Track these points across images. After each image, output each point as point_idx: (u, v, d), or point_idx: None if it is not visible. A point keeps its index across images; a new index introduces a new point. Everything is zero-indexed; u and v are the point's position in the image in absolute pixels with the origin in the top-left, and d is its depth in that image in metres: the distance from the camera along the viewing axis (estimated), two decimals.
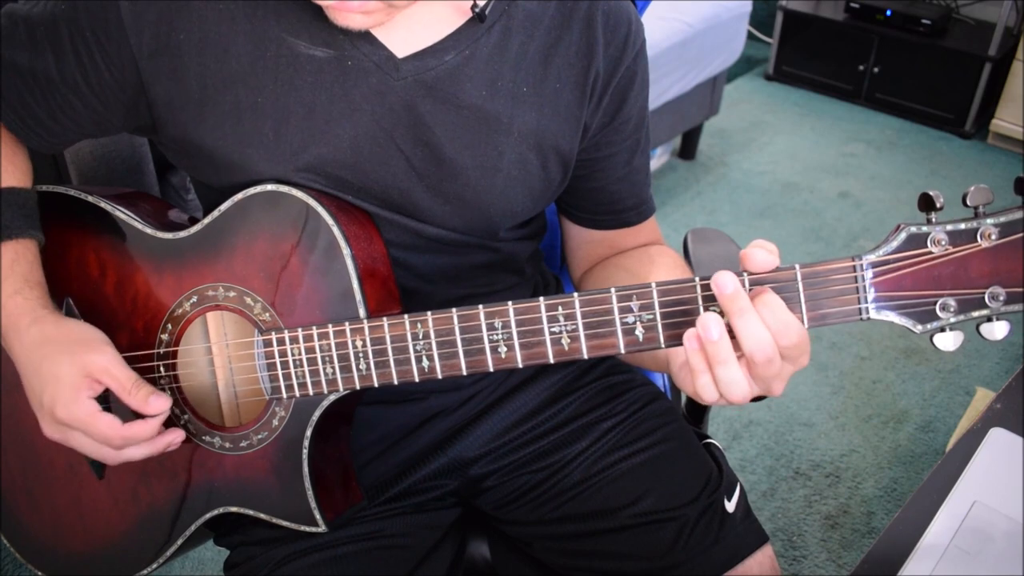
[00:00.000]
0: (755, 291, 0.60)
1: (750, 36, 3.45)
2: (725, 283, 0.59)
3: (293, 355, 0.72)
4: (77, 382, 0.71)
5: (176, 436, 0.75)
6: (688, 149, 2.87)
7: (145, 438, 0.73)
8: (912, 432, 1.87)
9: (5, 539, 0.88)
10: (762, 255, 0.60)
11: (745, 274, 0.61)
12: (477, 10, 0.72)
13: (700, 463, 0.89)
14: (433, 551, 0.85)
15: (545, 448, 0.89)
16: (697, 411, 1.09)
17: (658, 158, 2.80)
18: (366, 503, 0.84)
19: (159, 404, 0.72)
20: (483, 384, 0.90)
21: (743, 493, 0.89)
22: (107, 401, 0.74)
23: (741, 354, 0.60)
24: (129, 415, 0.72)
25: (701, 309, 0.62)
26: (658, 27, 2.31)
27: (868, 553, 0.71)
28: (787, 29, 3.31)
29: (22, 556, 0.86)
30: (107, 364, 0.72)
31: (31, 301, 0.74)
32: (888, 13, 3.04)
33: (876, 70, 3.14)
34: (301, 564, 0.80)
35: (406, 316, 0.68)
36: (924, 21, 2.97)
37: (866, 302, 0.60)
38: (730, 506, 0.86)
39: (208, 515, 0.79)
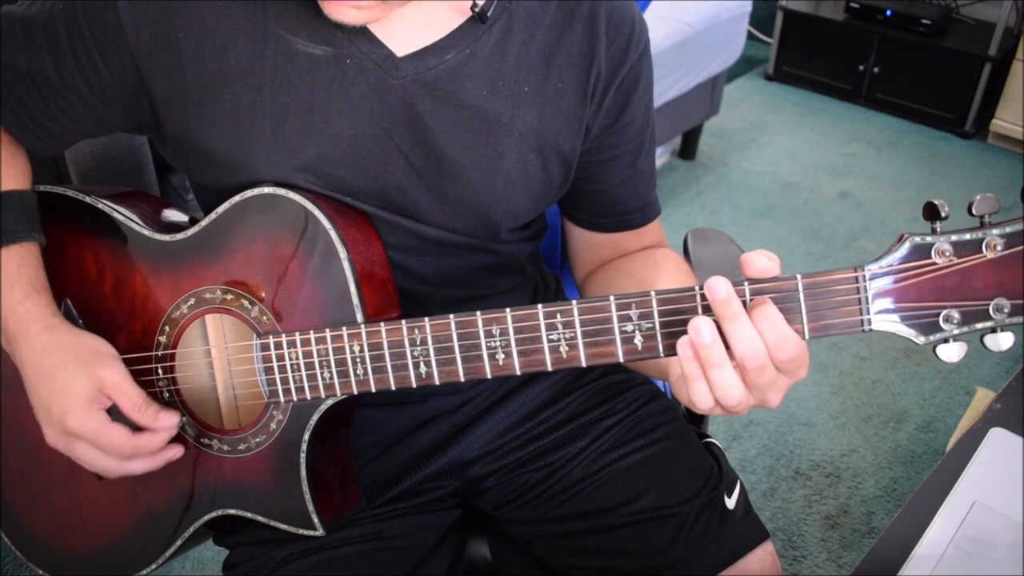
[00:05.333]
0: (755, 302, 0.59)
1: (750, 36, 3.45)
2: (718, 288, 0.58)
3: (291, 359, 0.72)
4: (91, 395, 0.72)
5: (175, 452, 0.76)
6: (688, 149, 2.87)
7: (152, 449, 0.74)
8: (912, 432, 1.87)
9: (6, 538, 0.88)
10: (762, 260, 0.60)
11: (746, 283, 0.60)
12: (477, 10, 0.72)
13: (700, 460, 0.89)
14: (432, 552, 0.85)
15: (545, 447, 0.89)
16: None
17: (658, 158, 2.80)
18: (365, 504, 0.84)
19: (168, 420, 0.74)
20: (483, 386, 0.90)
21: (743, 490, 0.89)
22: (112, 415, 0.74)
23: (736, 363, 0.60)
24: (134, 430, 0.73)
25: None
26: (658, 27, 2.31)
27: (868, 553, 0.71)
28: (787, 29, 3.31)
29: (23, 555, 0.86)
30: (119, 381, 0.73)
31: (41, 308, 0.74)
32: (888, 13, 3.04)
33: (876, 70, 3.14)
34: (300, 565, 0.80)
35: (404, 322, 0.68)
36: (924, 21, 2.97)
37: (868, 313, 0.59)
38: (730, 503, 0.86)
39: (206, 517, 0.79)
